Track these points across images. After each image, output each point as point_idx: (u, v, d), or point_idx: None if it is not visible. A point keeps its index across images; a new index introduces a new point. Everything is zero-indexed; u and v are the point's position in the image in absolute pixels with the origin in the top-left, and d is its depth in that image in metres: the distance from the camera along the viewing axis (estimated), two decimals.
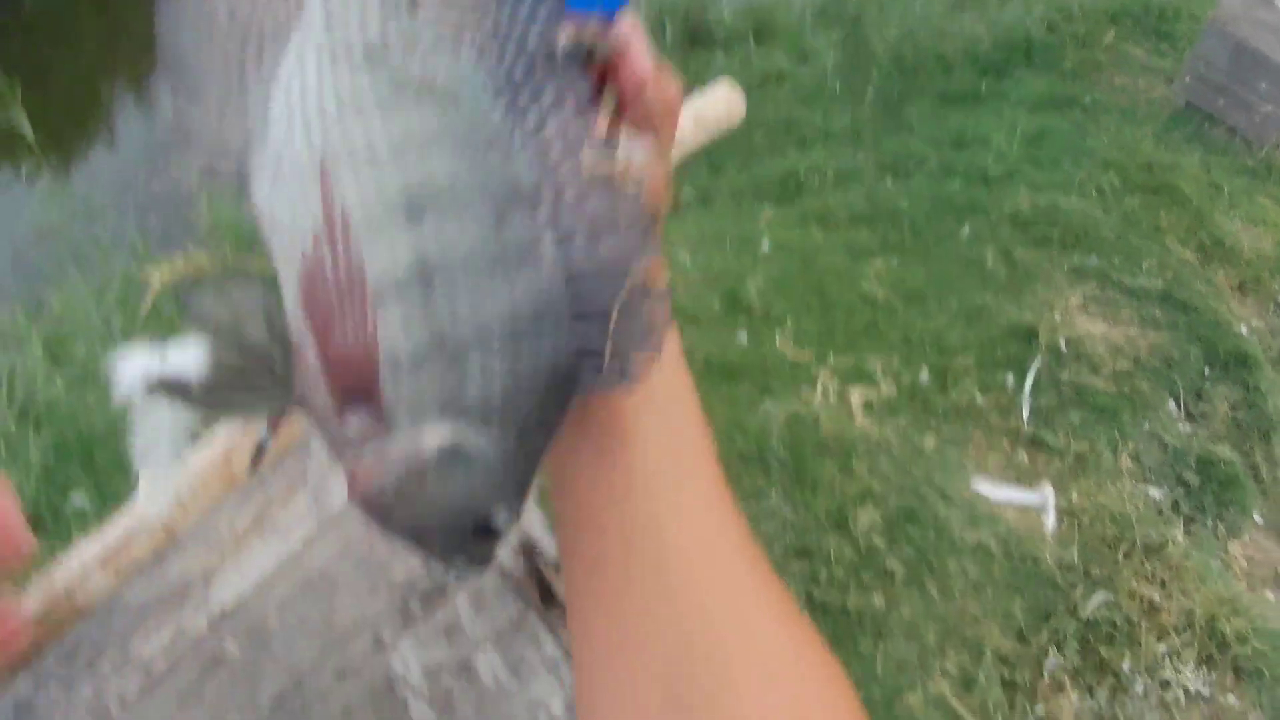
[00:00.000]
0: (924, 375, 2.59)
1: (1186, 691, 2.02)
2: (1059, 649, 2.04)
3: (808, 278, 2.94)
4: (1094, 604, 2.11)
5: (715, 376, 2.55)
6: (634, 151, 0.34)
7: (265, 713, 1.20)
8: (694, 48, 4.55)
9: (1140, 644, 2.07)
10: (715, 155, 3.98)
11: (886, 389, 2.55)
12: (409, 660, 1.27)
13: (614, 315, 0.34)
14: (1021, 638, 2.04)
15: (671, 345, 0.42)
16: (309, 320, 0.33)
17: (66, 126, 4.74)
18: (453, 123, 0.33)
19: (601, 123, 0.34)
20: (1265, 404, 2.56)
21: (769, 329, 2.77)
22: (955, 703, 1.91)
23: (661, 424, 0.40)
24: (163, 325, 2.55)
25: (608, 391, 0.35)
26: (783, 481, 2.30)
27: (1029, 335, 2.67)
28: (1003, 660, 2.00)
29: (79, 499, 2.13)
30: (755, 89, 4.11)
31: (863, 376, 2.59)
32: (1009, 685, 1.97)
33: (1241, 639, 2.07)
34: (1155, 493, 2.38)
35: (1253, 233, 3.06)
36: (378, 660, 1.26)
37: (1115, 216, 3.05)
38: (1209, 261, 2.95)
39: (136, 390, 0.34)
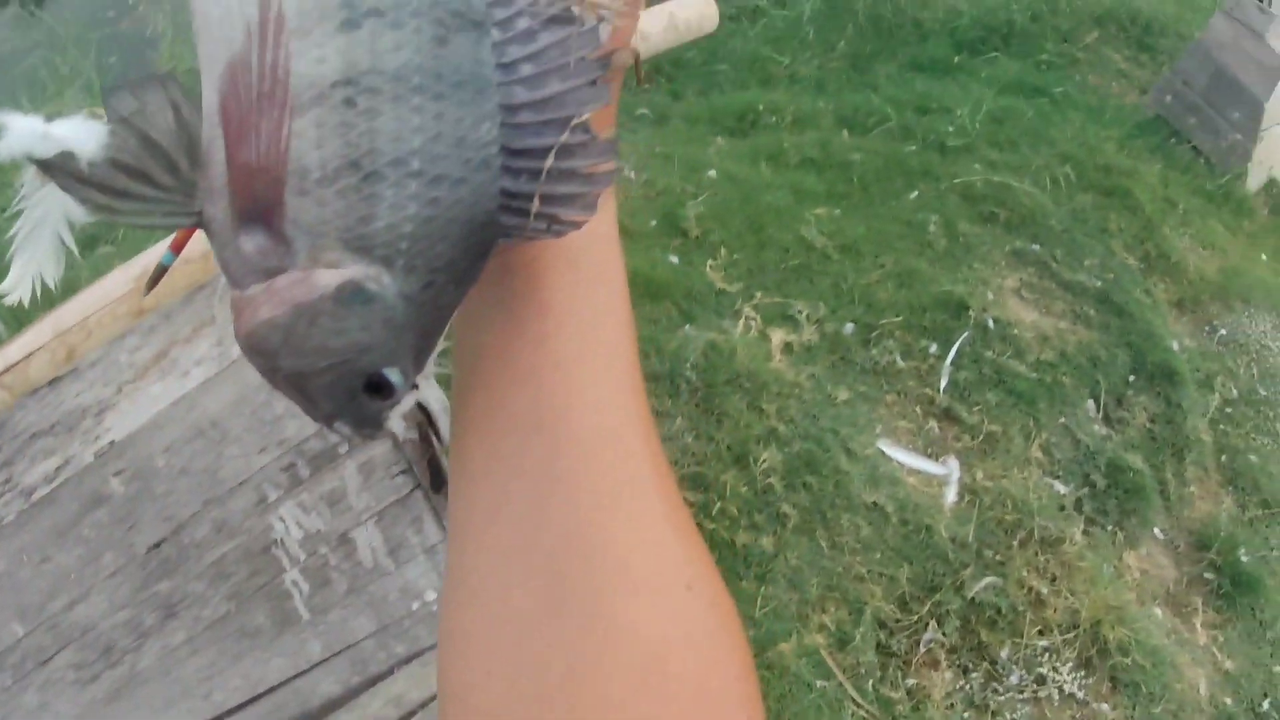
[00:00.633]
0: (848, 328, 2.47)
1: (1061, 691, 1.94)
2: (939, 624, 1.94)
3: (748, 212, 2.80)
4: (981, 585, 2.02)
5: (640, 293, 2.42)
6: None
7: (140, 557, 1.20)
8: None
9: (1022, 635, 1.99)
10: (676, 80, 3.83)
11: (808, 334, 2.42)
12: (289, 524, 1.25)
13: (550, 158, 0.31)
14: (904, 605, 1.94)
15: (608, 216, 0.38)
16: (223, 122, 0.31)
17: None
18: None
19: None
20: (1184, 422, 2.50)
21: (701, 256, 2.64)
22: (828, 658, 1.79)
23: (584, 300, 0.36)
24: None
25: (530, 241, 0.32)
26: (690, 409, 2.17)
27: (960, 308, 2.56)
28: (881, 624, 1.90)
29: None
30: (730, 20, 3.95)
31: (786, 319, 2.47)
32: (884, 650, 1.87)
33: (1123, 649, 2.01)
34: (1060, 487, 2.29)
35: (1200, 254, 3.00)
36: (258, 520, 1.23)
37: (1065, 210, 2.96)
38: (1151, 273, 2.88)
39: (17, 156, 0.30)
